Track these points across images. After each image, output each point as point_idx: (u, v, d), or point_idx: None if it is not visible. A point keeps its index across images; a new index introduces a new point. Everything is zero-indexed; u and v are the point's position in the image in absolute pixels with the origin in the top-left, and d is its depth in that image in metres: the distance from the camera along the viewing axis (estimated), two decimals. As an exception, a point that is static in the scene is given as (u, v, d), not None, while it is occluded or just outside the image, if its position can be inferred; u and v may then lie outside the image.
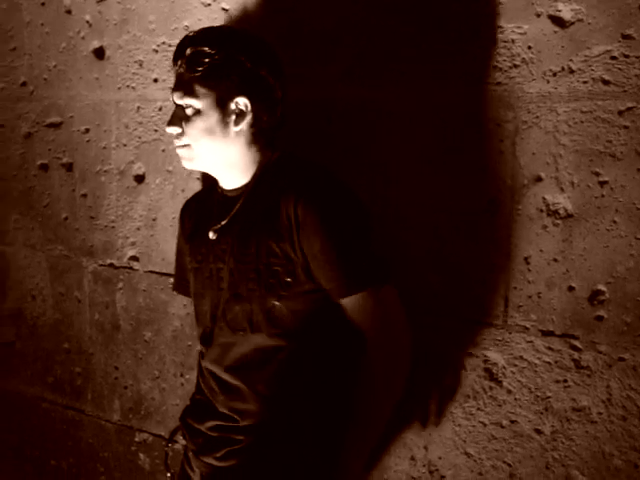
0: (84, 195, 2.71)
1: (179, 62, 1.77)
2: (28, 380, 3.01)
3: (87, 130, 2.67)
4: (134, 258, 2.60)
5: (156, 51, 2.45)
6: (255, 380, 1.80)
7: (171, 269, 2.45)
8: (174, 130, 1.78)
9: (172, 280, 2.45)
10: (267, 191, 1.80)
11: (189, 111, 1.76)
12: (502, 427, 1.93)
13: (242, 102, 1.76)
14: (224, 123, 1.77)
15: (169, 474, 2.11)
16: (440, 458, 2.03)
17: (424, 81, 1.94)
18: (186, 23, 2.35)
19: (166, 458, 2.13)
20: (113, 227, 2.65)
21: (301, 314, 1.76)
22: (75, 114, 2.70)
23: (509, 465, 1.93)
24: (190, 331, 2.48)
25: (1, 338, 3.07)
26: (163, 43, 2.42)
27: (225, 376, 1.86)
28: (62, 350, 2.88)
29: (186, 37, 1.78)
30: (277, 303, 1.75)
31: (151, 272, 2.56)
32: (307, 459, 1.83)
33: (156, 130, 2.49)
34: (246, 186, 1.85)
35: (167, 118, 2.30)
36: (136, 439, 2.70)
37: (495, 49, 1.84)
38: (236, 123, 1.78)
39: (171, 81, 2.30)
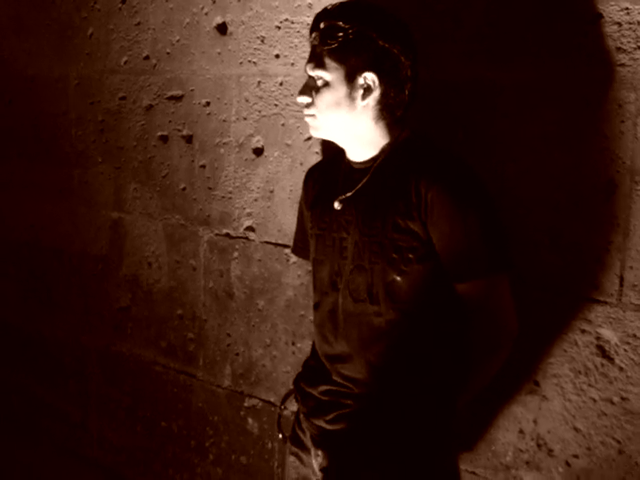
0: (203, 166, 2.80)
1: (314, 34, 1.82)
2: (142, 344, 3.13)
3: (208, 103, 2.75)
4: (250, 229, 2.67)
5: (278, 27, 2.50)
6: (369, 351, 1.85)
7: (287, 240, 2.52)
8: (304, 100, 1.83)
9: (287, 251, 2.53)
10: (396, 168, 1.83)
11: (319, 83, 1.81)
12: (612, 404, 1.93)
13: (370, 77, 1.79)
14: (351, 97, 1.81)
15: (281, 435, 2.17)
16: (549, 432, 2.05)
17: (545, 61, 1.94)
18: (309, 1, 2.39)
19: (279, 420, 2.20)
20: (230, 198, 2.72)
21: (418, 290, 1.80)
22: (196, 88, 2.78)
23: (618, 442, 1.94)
24: (303, 301, 2.54)
25: (118, 303, 3.18)
26: (286, 20, 2.48)
27: (340, 344, 1.91)
28: (176, 316, 2.98)
29: (323, 10, 1.82)
30: (397, 278, 1.79)
31: (266, 243, 2.63)
32: (411, 428, 1.87)
33: (276, 105, 2.54)
34: (374, 160, 1.88)
35: (287, 93, 2.41)
36: (245, 404, 2.79)
37: (620, 31, 1.83)
38: (363, 98, 1.81)
39: (292, 57, 2.37)
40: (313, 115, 1.84)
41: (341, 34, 1.78)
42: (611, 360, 1.92)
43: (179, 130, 2.86)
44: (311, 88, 1.83)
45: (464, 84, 2.08)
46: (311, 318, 2.51)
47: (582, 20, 1.88)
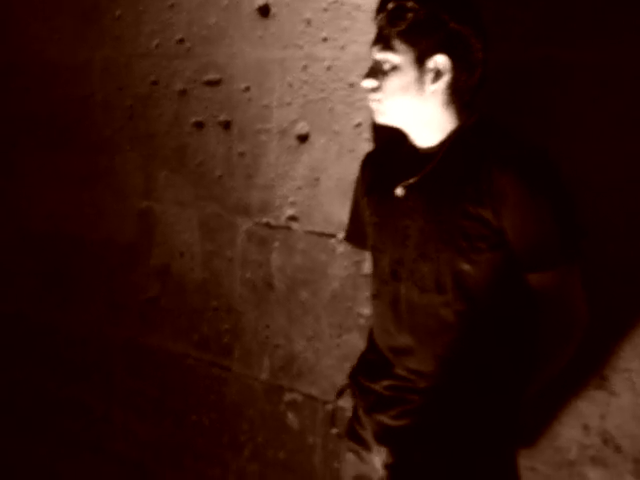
0: (242, 154, 2.71)
1: (380, 15, 1.75)
2: (172, 336, 3.05)
3: (247, 88, 2.67)
4: (293, 218, 2.60)
5: (326, 10, 2.42)
6: (436, 342, 1.80)
7: (333, 230, 2.46)
8: (370, 84, 1.76)
9: (333, 241, 2.46)
10: (465, 154, 1.77)
11: (386, 66, 1.74)
12: (691, 401, 1.88)
13: (441, 61, 1.73)
14: (420, 82, 1.75)
15: (336, 430, 2.11)
16: (617, 427, 1.99)
17: (623, 42, 1.88)
18: (360, -19, 2.32)
19: (333, 416, 2.13)
20: (272, 186, 2.64)
21: (488, 280, 1.74)
22: (235, 72, 2.70)
23: (695, 438, 1.88)
24: (351, 292, 2.47)
25: (146, 293, 3.10)
26: (335, 2, 2.40)
27: (404, 336, 1.85)
28: (209, 308, 2.90)
29: None
30: (467, 267, 1.73)
31: (311, 232, 2.56)
32: (477, 423, 1.82)
33: (323, 89, 2.47)
34: (441, 146, 1.81)
35: (335, 77, 2.33)
36: (285, 398, 2.72)
37: None
38: (432, 82, 1.75)
39: (342, 41, 2.30)
40: (379, 100, 1.77)
41: (411, 15, 1.71)
42: (689, 354, 1.87)
43: (216, 116, 2.78)
44: (377, 72, 1.76)
45: (531, 64, 2.01)
46: (359, 310, 2.46)
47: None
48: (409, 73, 1.75)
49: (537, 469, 2.13)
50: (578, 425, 2.05)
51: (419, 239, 1.80)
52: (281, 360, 2.71)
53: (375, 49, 1.77)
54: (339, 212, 2.46)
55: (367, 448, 1.96)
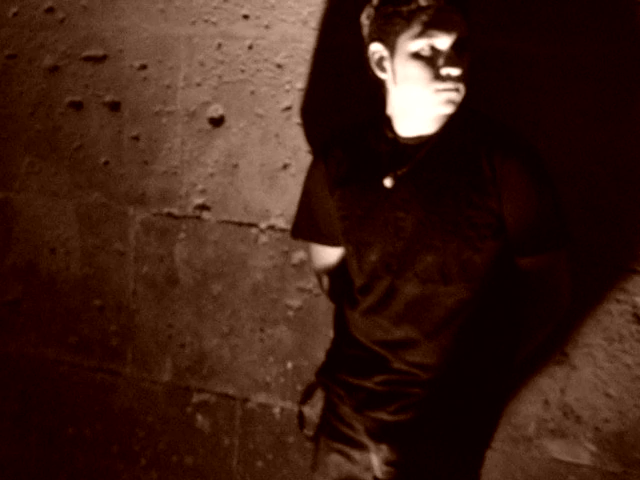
0: (135, 138, 2.47)
1: None
2: (39, 342, 2.72)
3: (143, 66, 2.44)
4: (203, 207, 2.42)
5: (248, -15, 2.27)
6: (441, 333, 1.79)
7: (255, 219, 2.35)
8: (459, 72, 1.68)
9: (254, 231, 2.35)
10: (459, 142, 1.76)
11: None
12: (648, 368, 2.04)
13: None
14: None
15: (307, 432, 2.03)
16: (577, 400, 2.11)
17: (585, 37, 1.97)
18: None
19: (301, 415, 2.05)
20: (175, 173, 2.44)
21: (489, 266, 1.76)
22: (126, 48, 2.45)
23: (653, 402, 2.05)
24: (277, 284, 2.37)
25: (3, 296, 2.73)
26: (257, -24, 2.26)
27: (403, 329, 1.81)
28: (92, 307, 2.63)
29: None
30: (473, 255, 1.74)
31: (227, 222, 2.40)
32: (480, 408, 1.85)
33: (243, 70, 2.32)
34: (432, 135, 1.78)
35: (259, 57, 2.21)
36: (194, 400, 2.54)
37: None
38: None
39: (267, 19, 2.18)
40: (458, 89, 1.70)
41: None
42: (647, 326, 2.02)
43: (100, 96, 2.51)
44: (458, 58, 1.67)
45: (492, 55, 2.05)
46: (287, 302, 2.37)
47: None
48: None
49: (493, 448, 2.18)
50: (538, 401, 2.14)
51: (417, 230, 1.76)
52: (188, 360, 2.53)
53: (451, 35, 1.66)
54: (262, 199, 2.35)
55: (358, 447, 1.89)
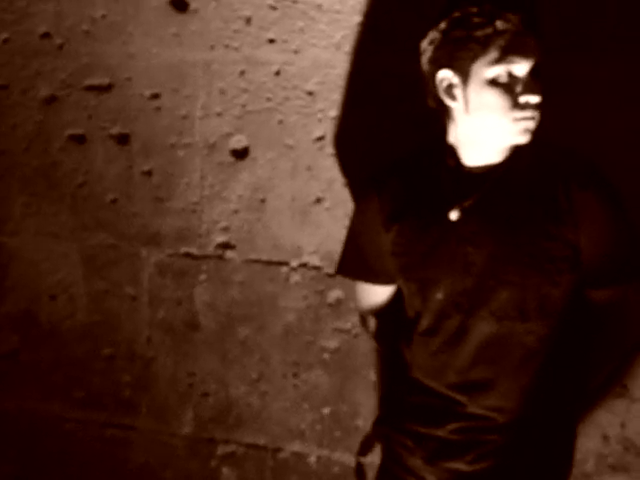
0: (147, 173, 2.29)
1: (511, 17, 1.53)
2: (41, 396, 2.50)
3: (155, 95, 2.25)
4: (226, 245, 2.26)
5: (273, 7, 2.12)
6: (519, 373, 1.69)
7: (285, 257, 2.23)
8: (538, 99, 1.56)
9: (285, 269, 2.24)
10: (528, 172, 1.66)
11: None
12: None
13: None
14: None
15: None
16: (638, 433, 2.04)
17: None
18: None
19: (360, 469, 1.91)
20: (194, 210, 2.27)
21: (565, 300, 1.68)
22: (135, 76, 2.26)
23: None
24: (311, 325, 2.23)
25: (-4, 349, 2.51)
26: (284, -1, 2.11)
27: (478, 370, 1.70)
28: (101, 357, 2.43)
29: None
30: (551, 290, 1.65)
31: (254, 261, 2.24)
32: (553, 449, 1.76)
33: (269, 98, 2.17)
34: (499, 164, 1.68)
35: (287, 85, 2.08)
36: (218, 452, 2.37)
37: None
38: None
39: (296, 43, 2.05)
40: (534, 117, 1.58)
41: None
42: None
43: (105, 128, 2.31)
44: (535, 84, 1.57)
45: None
46: (322, 344, 2.23)
47: None
48: None
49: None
50: (597, 435, 2.05)
51: (490, 265, 1.66)
52: (211, 410, 2.36)
53: (529, 60, 1.56)
54: (293, 236, 2.20)
55: None
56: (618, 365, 1.86)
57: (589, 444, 2.06)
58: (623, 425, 2.04)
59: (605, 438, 2.05)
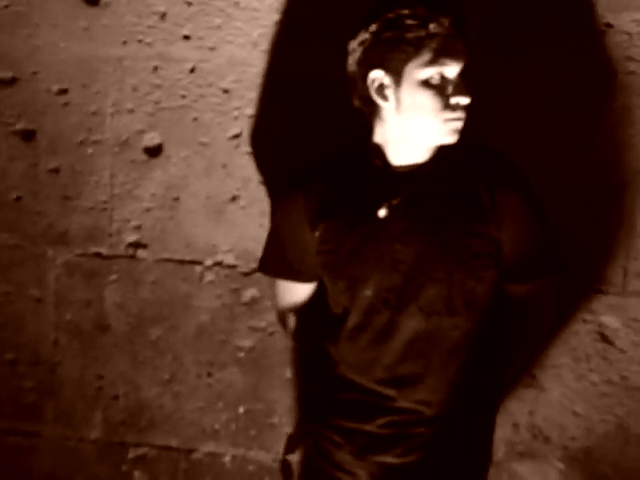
0: (54, 170, 2.22)
1: (443, 20, 1.58)
2: None
3: (63, 91, 2.19)
4: (138, 245, 2.22)
5: (189, 3, 2.10)
6: (447, 367, 1.75)
7: (199, 256, 2.22)
8: (468, 100, 1.61)
9: (199, 269, 2.23)
10: (452, 171, 1.72)
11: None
12: (613, 384, 2.10)
13: None
14: None
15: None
16: (545, 420, 2.14)
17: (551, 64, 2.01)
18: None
19: (287, 467, 1.92)
20: (103, 209, 2.22)
21: (488, 295, 1.75)
22: (42, 70, 2.19)
23: (618, 417, 2.11)
24: (226, 324, 2.22)
25: None
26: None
27: (407, 365, 1.75)
28: (2, 363, 2.33)
29: None
30: (476, 285, 1.71)
31: (167, 260, 2.22)
32: (479, 436, 1.84)
33: (184, 96, 2.15)
34: (425, 163, 1.73)
35: (203, 82, 2.11)
36: (130, 455, 2.32)
37: (631, 41, 1.97)
38: None
39: (212, 40, 2.05)
40: (463, 118, 1.63)
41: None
42: (612, 344, 2.08)
43: (9, 124, 2.22)
44: (464, 85, 1.62)
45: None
46: (237, 343, 2.22)
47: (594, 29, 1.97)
48: None
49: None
50: (508, 424, 2.14)
51: (418, 262, 1.70)
52: (122, 413, 2.30)
53: (460, 63, 1.61)
54: (208, 235, 2.19)
55: None
56: (529, 356, 1.93)
57: (500, 432, 2.13)
58: (532, 413, 2.13)
59: (515, 426, 2.14)
